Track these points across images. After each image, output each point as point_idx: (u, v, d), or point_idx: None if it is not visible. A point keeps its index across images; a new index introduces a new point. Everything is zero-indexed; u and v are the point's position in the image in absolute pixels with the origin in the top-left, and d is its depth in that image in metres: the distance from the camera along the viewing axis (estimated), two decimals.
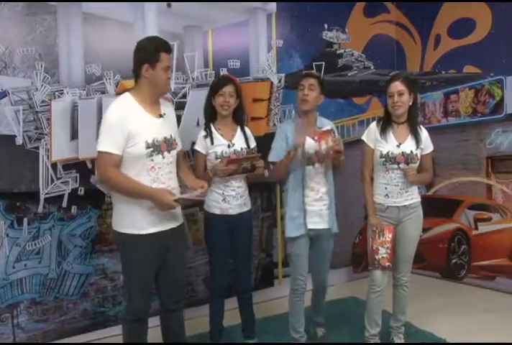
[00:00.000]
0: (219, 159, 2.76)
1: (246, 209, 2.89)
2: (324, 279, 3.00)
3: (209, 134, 2.81)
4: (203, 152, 2.82)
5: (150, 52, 2.29)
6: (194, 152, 2.90)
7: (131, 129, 2.24)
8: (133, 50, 2.34)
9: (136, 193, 2.27)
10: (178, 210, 2.45)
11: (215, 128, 2.84)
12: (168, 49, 2.34)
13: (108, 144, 2.23)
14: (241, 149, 2.84)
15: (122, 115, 2.25)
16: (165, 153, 2.34)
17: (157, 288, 2.48)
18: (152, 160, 2.29)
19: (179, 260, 2.48)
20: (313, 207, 2.82)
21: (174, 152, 2.40)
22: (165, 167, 2.34)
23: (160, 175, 2.32)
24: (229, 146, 2.81)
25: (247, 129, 2.95)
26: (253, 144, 2.93)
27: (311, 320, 3.10)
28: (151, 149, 2.28)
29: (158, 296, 2.51)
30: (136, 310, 2.38)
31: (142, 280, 2.36)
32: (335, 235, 2.94)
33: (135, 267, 2.35)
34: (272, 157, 2.86)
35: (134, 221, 2.31)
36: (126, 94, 2.34)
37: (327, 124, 2.92)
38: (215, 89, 2.81)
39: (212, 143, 2.79)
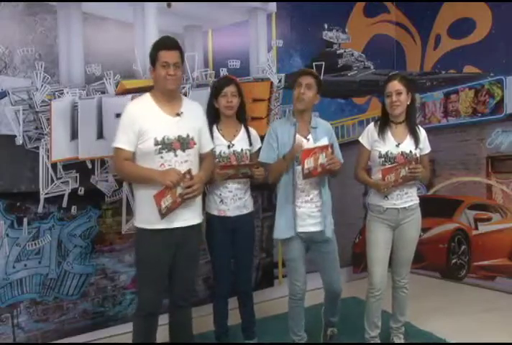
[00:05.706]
0: (217, 160, 2.75)
1: (245, 212, 2.84)
2: (334, 281, 2.85)
3: None
4: None
5: (152, 53, 2.41)
6: None
7: (141, 126, 2.34)
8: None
9: (146, 176, 2.34)
10: (196, 210, 2.49)
11: (217, 128, 2.83)
12: (167, 46, 2.37)
13: (120, 140, 2.37)
14: (242, 150, 2.82)
15: (134, 113, 2.37)
16: (178, 151, 2.39)
17: (169, 285, 2.53)
18: (162, 157, 2.36)
19: (190, 259, 2.52)
20: (304, 209, 2.71)
21: (191, 151, 2.44)
22: (178, 166, 2.38)
23: None
24: (228, 146, 2.80)
25: (251, 130, 2.92)
26: (258, 145, 2.90)
27: (324, 320, 3.05)
28: (159, 146, 2.35)
29: (169, 293, 2.55)
30: (145, 305, 2.45)
31: (151, 275, 2.43)
32: (335, 236, 2.84)
33: (144, 261, 2.44)
34: (262, 157, 2.78)
35: (145, 216, 2.39)
36: (147, 94, 2.47)
37: (323, 124, 2.81)
38: (217, 90, 2.80)
39: None
